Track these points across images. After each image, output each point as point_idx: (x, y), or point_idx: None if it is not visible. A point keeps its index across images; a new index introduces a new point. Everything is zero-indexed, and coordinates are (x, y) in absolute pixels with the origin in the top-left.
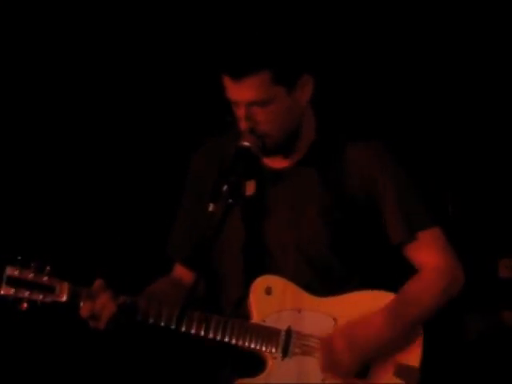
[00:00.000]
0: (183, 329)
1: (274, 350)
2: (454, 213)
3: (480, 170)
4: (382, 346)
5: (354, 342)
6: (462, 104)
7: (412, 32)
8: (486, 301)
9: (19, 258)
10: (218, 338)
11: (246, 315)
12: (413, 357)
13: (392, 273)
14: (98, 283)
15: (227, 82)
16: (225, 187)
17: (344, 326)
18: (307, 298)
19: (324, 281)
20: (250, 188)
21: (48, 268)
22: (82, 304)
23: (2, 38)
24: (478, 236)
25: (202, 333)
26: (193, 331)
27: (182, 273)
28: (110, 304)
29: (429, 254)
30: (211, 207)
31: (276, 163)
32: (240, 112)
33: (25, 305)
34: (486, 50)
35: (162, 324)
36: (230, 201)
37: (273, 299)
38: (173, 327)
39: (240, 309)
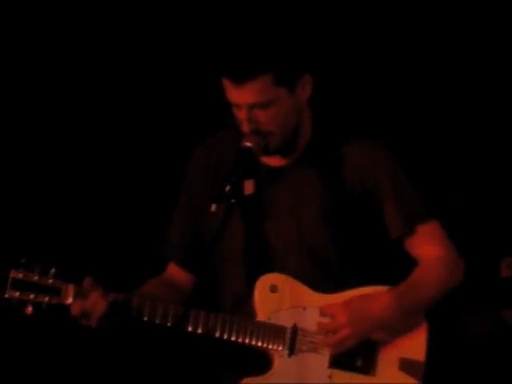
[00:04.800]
0: (188, 328)
1: (280, 348)
2: (455, 212)
3: (481, 170)
4: (381, 324)
5: (357, 315)
6: (462, 104)
7: (410, 31)
8: (487, 300)
9: (23, 260)
10: (224, 336)
11: (247, 313)
12: (417, 351)
13: (392, 269)
14: (88, 281)
15: (228, 85)
16: (227, 187)
17: (349, 300)
18: (312, 295)
19: (326, 277)
20: (249, 187)
21: (53, 270)
22: (72, 302)
23: (1, 38)
24: (480, 235)
25: (207, 332)
26: (199, 331)
27: (175, 272)
28: (101, 301)
29: (429, 246)
30: (213, 207)
31: (274, 161)
32: (241, 114)
33: (30, 308)
34: (486, 49)
35: (157, 321)
36: (233, 201)
37: (277, 297)
38: (169, 324)
39: (241, 307)
